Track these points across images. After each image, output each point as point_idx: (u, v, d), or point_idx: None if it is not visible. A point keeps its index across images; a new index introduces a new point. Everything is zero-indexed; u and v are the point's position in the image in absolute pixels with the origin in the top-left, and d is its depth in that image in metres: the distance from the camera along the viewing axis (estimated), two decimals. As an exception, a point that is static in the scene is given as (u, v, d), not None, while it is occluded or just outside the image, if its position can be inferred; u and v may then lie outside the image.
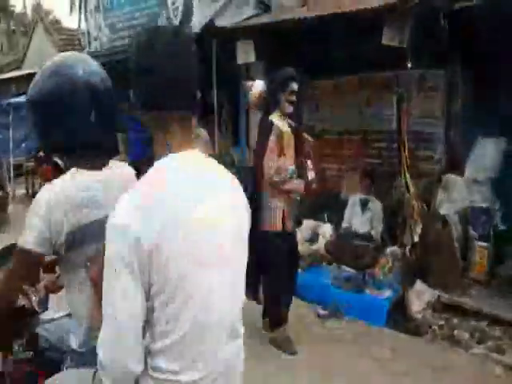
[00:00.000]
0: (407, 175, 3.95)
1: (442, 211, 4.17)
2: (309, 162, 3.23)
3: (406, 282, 3.89)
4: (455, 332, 3.46)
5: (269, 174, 3.08)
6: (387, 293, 3.86)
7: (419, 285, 3.86)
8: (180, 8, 5.13)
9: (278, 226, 3.14)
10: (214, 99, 5.30)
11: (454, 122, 4.66)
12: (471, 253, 4.01)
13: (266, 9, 5.62)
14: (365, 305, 3.73)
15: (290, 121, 3.23)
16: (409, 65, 3.86)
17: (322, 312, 3.76)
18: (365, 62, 4.81)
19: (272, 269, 3.19)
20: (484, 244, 4.01)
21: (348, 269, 4.19)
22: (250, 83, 3.57)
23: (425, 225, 3.94)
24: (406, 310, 3.78)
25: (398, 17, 3.80)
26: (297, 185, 3.16)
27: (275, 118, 3.16)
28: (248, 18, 5.23)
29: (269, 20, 4.71)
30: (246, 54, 4.86)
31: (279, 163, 3.08)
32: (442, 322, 3.60)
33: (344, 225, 4.75)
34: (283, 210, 3.15)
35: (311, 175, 3.21)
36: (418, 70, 4.50)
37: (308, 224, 4.98)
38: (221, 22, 5.11)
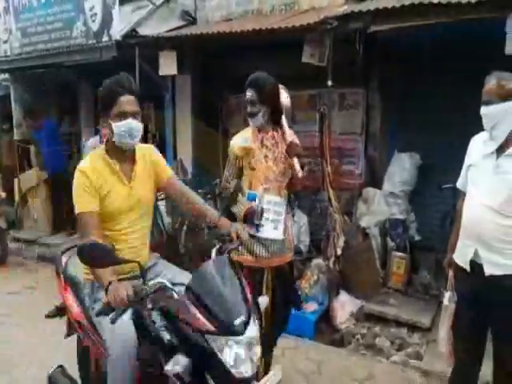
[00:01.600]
0: (330, 189, 4.05)
1: (363, 224, 4.33)
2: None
3: (331, 293, 3.96)
4: (377, 340, 3.57)
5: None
6: (314, 306, 3.89)
7: (343, 296, 3.95)
8: (98, 14, 4.87)
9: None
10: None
11: (372, 138, 4.90)
12: (390, 263, 4.20)
13: (193, 21, 5.57)
14: (292, 319, 3.71)
15: (283, 135, 2.60)
16: (329, 83, 3.99)
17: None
18: (289, 79, 4.91)
19: None
20: (401, 254, 4.23)
21: (275, 283, 4.17)
22: None
23: (347, 237, 4.06)
24: (332, 322, 3.84)
25: (317, 37, 3.93)
26: (236, 208, 2.57)
27: (244, 133, 2.68)
28: (173, 30, 5.13)
29: (193, 32, 4.64)
30: (169, 65, 4.74)
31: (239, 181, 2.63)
32: (364, 332, 3.70)
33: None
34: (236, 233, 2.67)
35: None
36: (339, 89, 4.68)
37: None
38: (144, 31, 4.95)
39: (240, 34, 4.12)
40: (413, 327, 3.68)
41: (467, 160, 2.42)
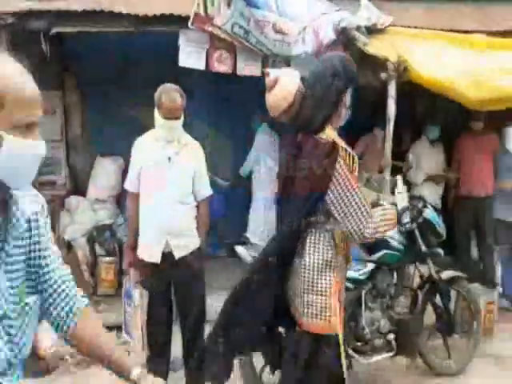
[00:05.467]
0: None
1: (67, 236, 4.14)
2: None
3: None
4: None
5: (372, 228, 1.86)
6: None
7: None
8: None
9: (333, 325, 1.89)
10: None
11: (73, 144, 4.64)
12: (99, 270, 4.14)
13: None
14: None
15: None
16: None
17: None
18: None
19: None
20: (109, 259, 4.20)
21: None
22: (271, 75, 2.12)
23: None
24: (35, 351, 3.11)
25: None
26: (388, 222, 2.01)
27: (333, 137, 1.90)
28: None
29: None
30: None
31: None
32: (72, 350, 2.93)
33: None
34: (338, 293, 1.92)
35: None
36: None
37: None
38: None
39: None
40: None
41: (138, 162, 2.51)
